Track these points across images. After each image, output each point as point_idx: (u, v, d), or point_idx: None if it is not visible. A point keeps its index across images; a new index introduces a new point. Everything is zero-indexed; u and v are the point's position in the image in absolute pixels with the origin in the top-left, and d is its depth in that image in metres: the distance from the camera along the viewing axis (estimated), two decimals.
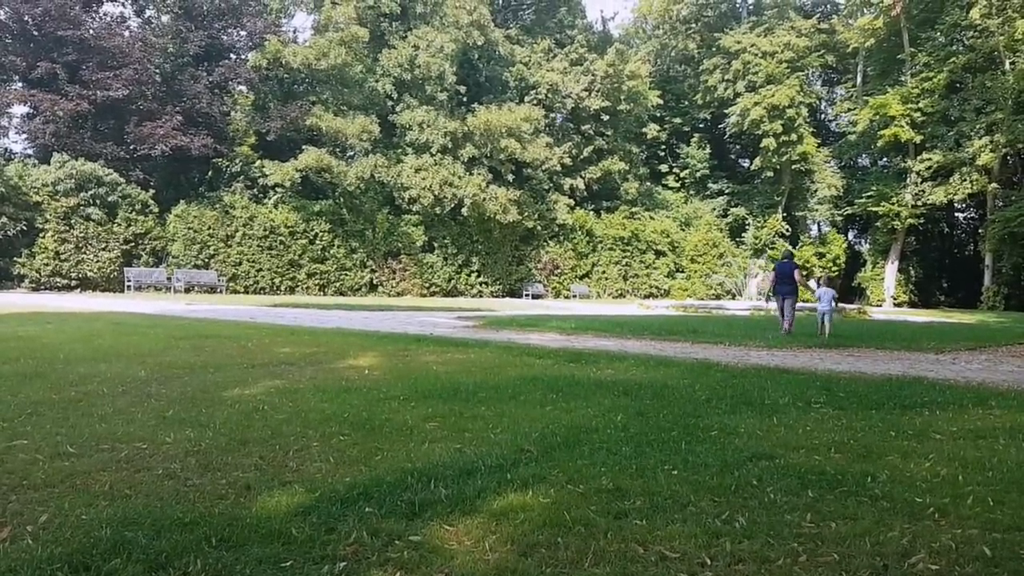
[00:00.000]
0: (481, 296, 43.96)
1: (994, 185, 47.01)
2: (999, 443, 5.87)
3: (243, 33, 39.67)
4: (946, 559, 3.57)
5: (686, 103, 58.22)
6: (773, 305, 18.95)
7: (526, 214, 43.64)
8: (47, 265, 32.68)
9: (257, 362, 10.03)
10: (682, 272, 52.35)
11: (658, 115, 56.20)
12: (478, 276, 44.74)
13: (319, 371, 9.40)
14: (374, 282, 41.13)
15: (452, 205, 40.85)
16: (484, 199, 40.58)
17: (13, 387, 7.52)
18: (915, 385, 8.97)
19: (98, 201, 33.35)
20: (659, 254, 51.51)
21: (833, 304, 17.63)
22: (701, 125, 58.93)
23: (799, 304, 19.15)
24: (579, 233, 48.33)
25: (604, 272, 49.50)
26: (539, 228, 46.09)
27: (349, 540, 3.68)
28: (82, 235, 33.28)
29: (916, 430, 6.31)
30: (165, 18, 39.69)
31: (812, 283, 18.34)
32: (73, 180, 32.61)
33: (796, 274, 17.82)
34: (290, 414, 6.55)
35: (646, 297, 48.34)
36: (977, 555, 3.61)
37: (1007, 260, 47.52)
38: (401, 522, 3.93)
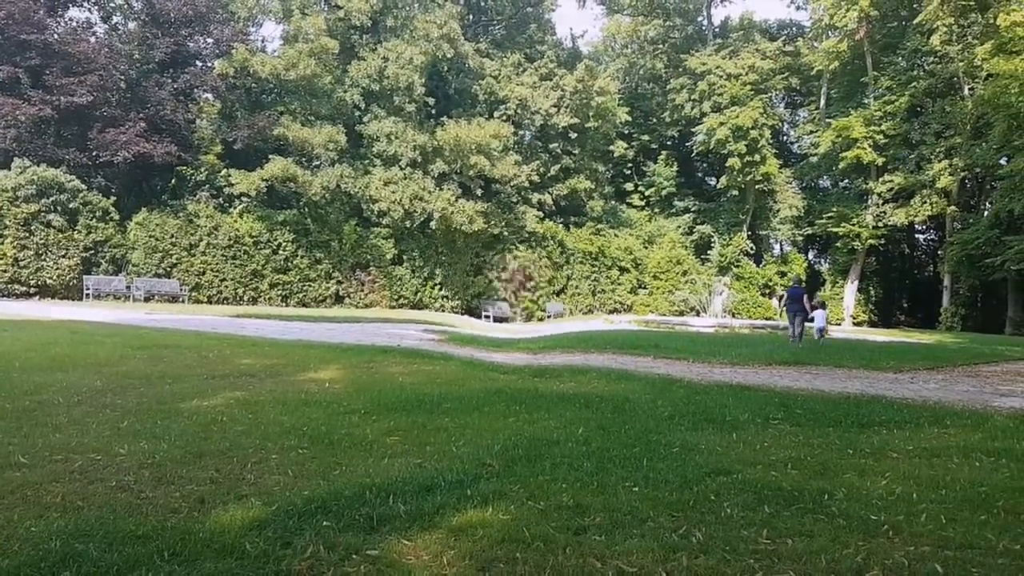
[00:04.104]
0: (443, 311, 43.69)
1: (952, 208, 47.99)
2: (953, 462, 5.97)
3: (209, 40, 39.26)
4: None
5: (654, 120, 58.81)
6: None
7: (492, 223, 43.33)
8: (5, 272, 32.00)
9: (216, 373, 9.90)
10: (644, 288, 52.62)
11: (626, 132, 56.69)
12: (440, 289, 44.46)
13: (280, 383, 9.29)
14: (340, 293, 40.78)
15: (422, 219, 40.72)
16: (452, 212, 40.51)
17: None
18: (873, 404, 9.09)
19: (59, 208, 32.78)
20: (623, 270, 51.72)
21: (825, 320, 24.54)
22: (668, 143, 59.47)
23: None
24: (551, 243, 47.88)
25: (576, 287, 49.49)
26: (506, 233, 45.20)
27: (305, 555, 3.63)
28: (42, 242, 32.65)
29: (873, 448, 6.38)
30: (132, 25, 39.19)
31: (807, 305, 22.34)
32: (34, 186, 32.04)
33: (804, 298, 22.34)
34: (249, 426, 6.47)
35: (611, 312, 48.52)
36: (929, 572, 3.67)
37: (964, 281, 48.51)
38: (359, 536, 3.89)
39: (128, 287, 34.10)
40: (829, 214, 51.70)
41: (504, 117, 45.12)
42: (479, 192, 42.51)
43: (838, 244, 53.02)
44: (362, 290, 41.09)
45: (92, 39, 36.30)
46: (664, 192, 57.23)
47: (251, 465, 5.20)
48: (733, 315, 48.30)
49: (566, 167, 49.14)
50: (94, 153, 34.33)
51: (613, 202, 55.75)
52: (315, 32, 37.78)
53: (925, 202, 47.84)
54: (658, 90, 59.41)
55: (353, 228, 40.55)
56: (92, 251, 34.31)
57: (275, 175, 36.99)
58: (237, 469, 5.09)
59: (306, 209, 39.95)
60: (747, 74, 51.85)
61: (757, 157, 51.81)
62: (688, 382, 10.74)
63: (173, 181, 37.29)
